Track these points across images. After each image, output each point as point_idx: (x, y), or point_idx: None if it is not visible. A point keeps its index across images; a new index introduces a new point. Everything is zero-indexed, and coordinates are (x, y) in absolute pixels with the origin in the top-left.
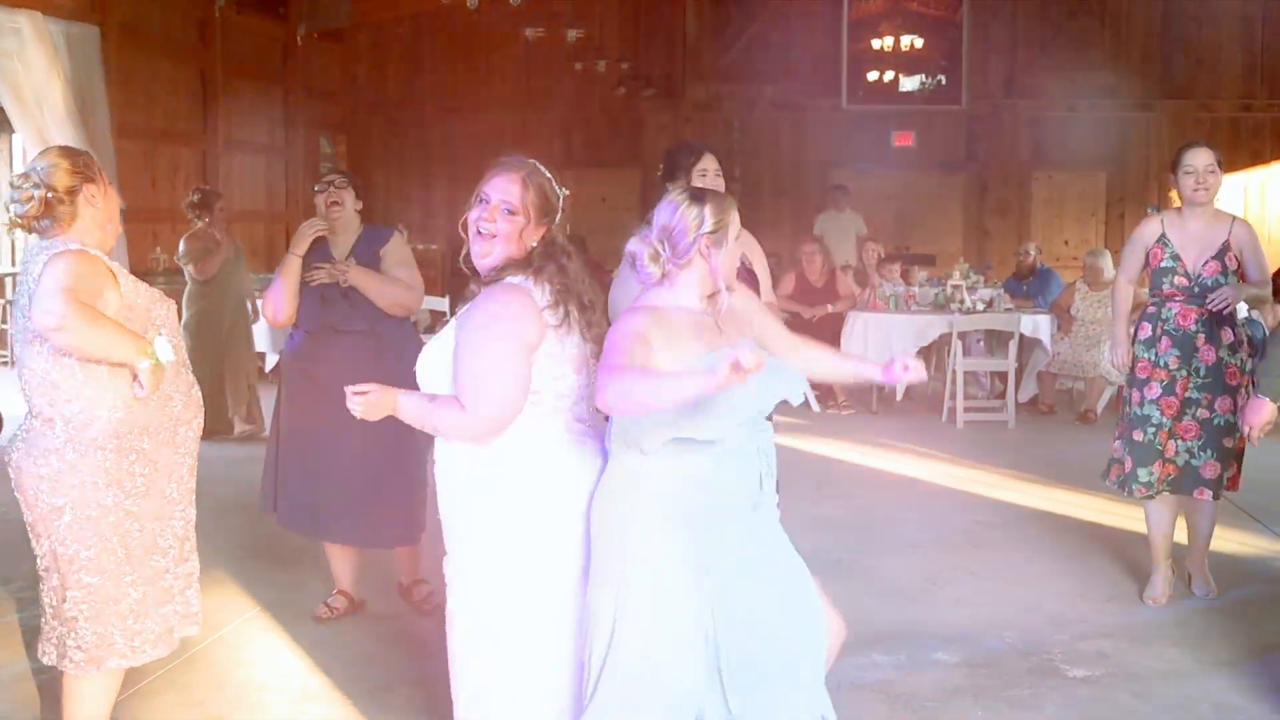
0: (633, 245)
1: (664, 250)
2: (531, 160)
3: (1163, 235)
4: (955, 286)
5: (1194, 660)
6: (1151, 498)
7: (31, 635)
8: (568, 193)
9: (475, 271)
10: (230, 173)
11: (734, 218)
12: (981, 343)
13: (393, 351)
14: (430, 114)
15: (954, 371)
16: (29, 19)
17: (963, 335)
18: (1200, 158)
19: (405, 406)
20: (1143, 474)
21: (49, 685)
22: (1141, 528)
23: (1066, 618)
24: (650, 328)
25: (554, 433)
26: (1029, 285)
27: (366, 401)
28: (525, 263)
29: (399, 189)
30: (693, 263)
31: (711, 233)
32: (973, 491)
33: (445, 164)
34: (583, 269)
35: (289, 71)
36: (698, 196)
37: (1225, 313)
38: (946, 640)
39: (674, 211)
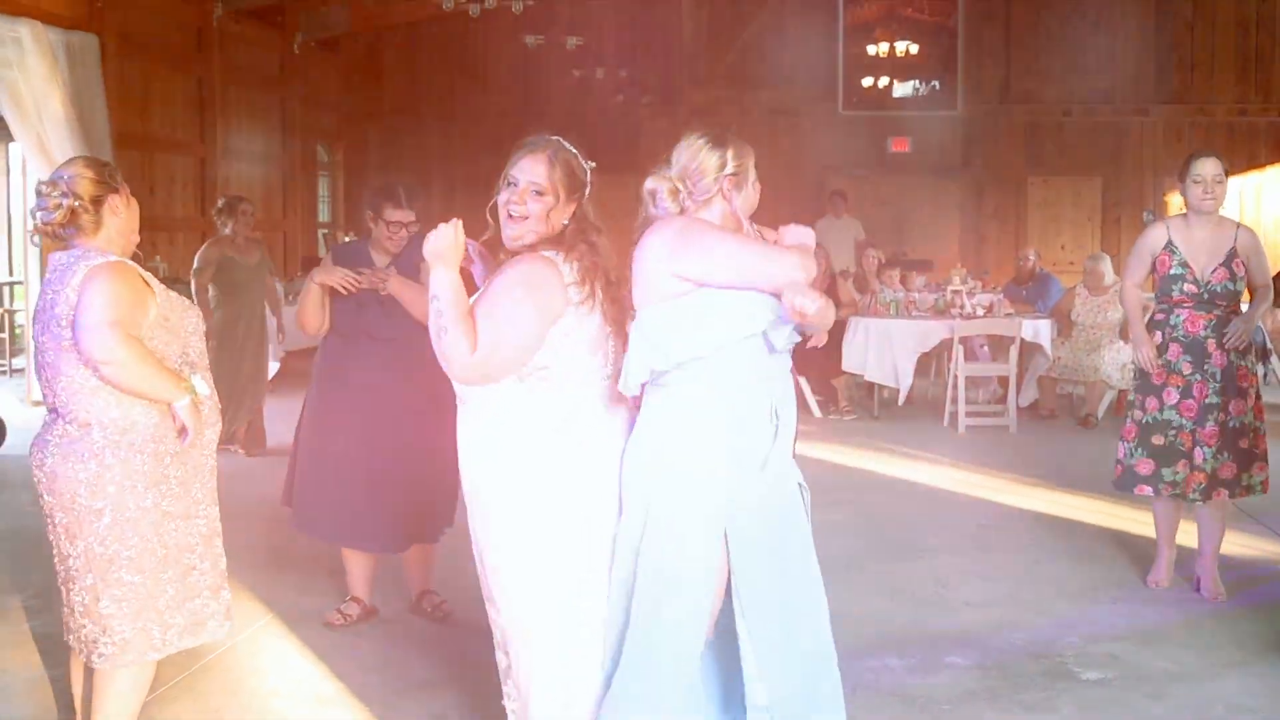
0: (651, 182)
1: (684, 188)
2: (555, 137)
3: (1170, 242)
4: (955, 292)
5: (1205, 662)
6: (1181, 497)
7: (45, 643)
8: (594, 165)
9: (502, 250)
10: (228, 181)
11: (752, 159)
12: (985, 347)
13: (424, 361)
14: (427, 122)
15: (955, 376)
16: (29, 28)
17: (965, 340)
18: (1208, 167)
19: (442, 284)
20: (1167, 474)
21: (65, 692)
22: (1146, 530)
23: (1076, 620)
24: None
25: (566, 411)
26: (1029, 290)
27: (443, 235)
28: (557, 239)
29: None
30: (712, 202)
31: (734, 174)
32: (977, 495)
33: (442, 172)
34: (610, 246)
35: (286, 80)
36: (720, 139)
37: (1241, 346)
38: (958, 643)
39: (695, 154)
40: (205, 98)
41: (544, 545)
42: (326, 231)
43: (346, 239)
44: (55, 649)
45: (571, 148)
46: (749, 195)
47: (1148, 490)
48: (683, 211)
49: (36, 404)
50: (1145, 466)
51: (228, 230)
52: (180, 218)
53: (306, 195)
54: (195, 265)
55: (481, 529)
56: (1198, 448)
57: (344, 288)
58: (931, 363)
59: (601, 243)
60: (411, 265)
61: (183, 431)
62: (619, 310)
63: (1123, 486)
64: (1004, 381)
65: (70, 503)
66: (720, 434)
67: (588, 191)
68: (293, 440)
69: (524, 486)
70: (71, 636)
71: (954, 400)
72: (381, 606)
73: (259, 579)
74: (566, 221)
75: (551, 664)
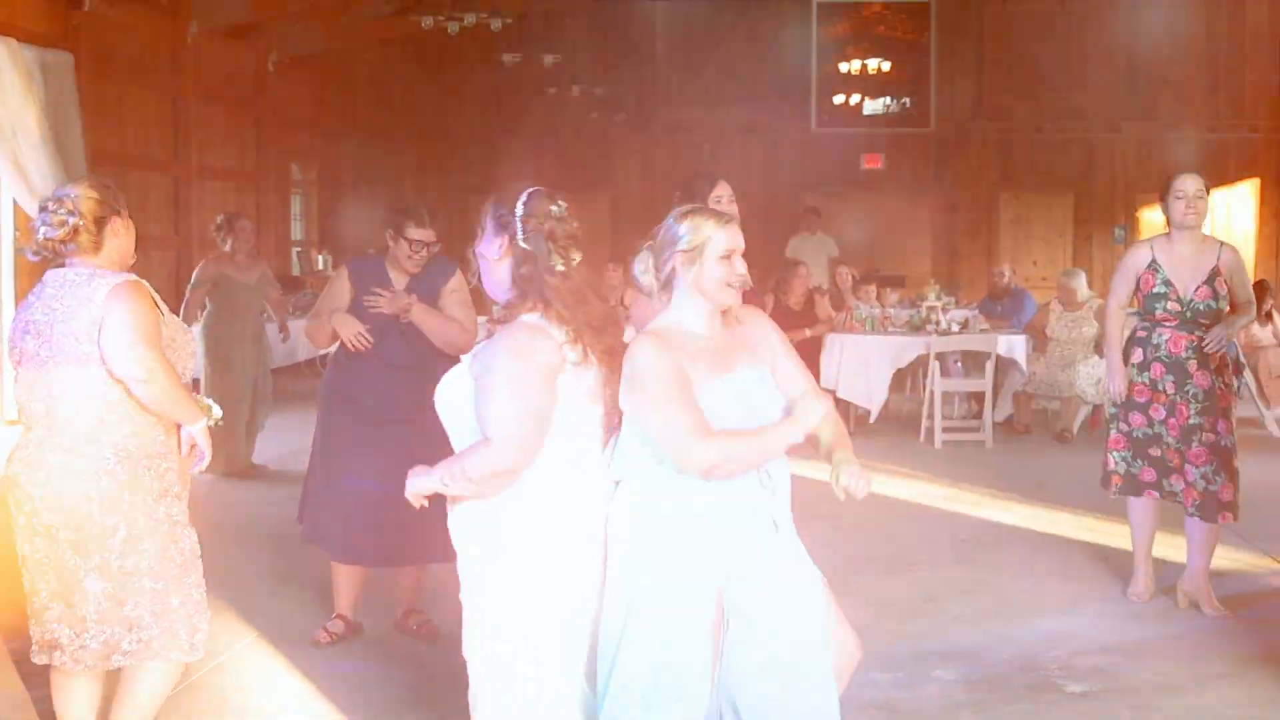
0: (634, 262)
1: (651, 266)
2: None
3: (1153, 261)
4: (931, 308)
5: (1190, 673)
6: (1180, 506)
7: (27, 665)
8: (560, 206)
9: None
10: (202, 199)
11: (721, 236)
12: (959, 364)
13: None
14: (402, 139)
15: (931, 392)
16: (4, 45)
17: (941, 356)
18: (1190, 183)
19: (450, 489)
20: (1167, 484)
21: (49, 713)
22: (1124, 544)
23: (1060, 633)
24: (667, 354)
25: (577, 469)
26: (1003, 306)
27: (417, 491)
28: (521, 299)
29: (370, 215)
30: (672, 282)
31: (685, 250)
32: (957, 510)
33: (417, 190)
34: (585, 284)
35: (261, 98)
36: (684, 214)
37: (1221, 349)
38: (945, 658)
39: (665, 229)
40: (179, 115)
41: (563, 584)
42: (300, 249)
43: (321, 258)
44: (38, 668)
45: (518, 192)
46: (709, 271)
47: (1155, 495)
48: (663, 290)
49: (12, 423)
50: (1149, 474)
51: (227, 247)
52: (154, 236)
53: (280, 213)
54: (191, 280)
55: (479, 586)
56: (1188, 466)
57: (354, 345)
58: (907, 378)
59: (568, 286)
60: (430, 286)
61: (193, 452)
62: (612, 355)
63: (1126, 492)
64: (979, 397)
65: (82, 520)
66: (710, 527)
67: (519, 232)
68: (308, 461)
69: (545, 530)
70: (59, 653)
71: (930, 416)
72: (367, 624)
73: (240, 598)
74: (497, 255)
75: (552, 690)
